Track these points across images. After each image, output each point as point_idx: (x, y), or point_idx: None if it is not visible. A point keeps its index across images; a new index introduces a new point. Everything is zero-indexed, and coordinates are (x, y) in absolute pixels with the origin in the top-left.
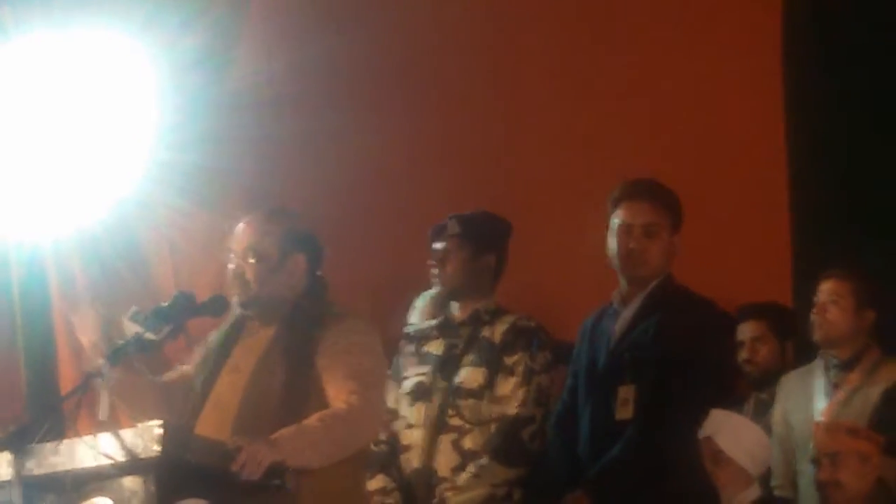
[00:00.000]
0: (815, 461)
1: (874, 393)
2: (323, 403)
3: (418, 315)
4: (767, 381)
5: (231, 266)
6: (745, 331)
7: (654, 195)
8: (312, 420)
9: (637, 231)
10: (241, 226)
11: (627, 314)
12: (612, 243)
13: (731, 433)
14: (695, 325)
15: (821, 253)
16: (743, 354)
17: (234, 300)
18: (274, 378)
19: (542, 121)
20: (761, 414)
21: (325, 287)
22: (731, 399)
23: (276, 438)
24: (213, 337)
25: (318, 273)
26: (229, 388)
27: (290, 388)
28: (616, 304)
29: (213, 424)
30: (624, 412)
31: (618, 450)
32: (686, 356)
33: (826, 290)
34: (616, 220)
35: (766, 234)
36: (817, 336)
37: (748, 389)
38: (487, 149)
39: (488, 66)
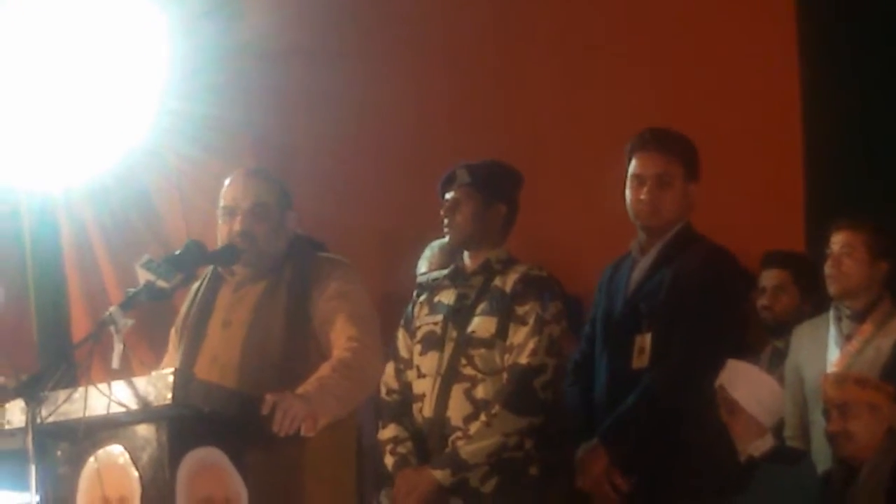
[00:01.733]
0: (825, 412)
1: (886, 344)
2: (320, 352)
3: (428, 265)
4: (784, 329)
5: (235, 223)
6: (768, 278)
7: (665, 145)
8: (327, 371)
9: (649, 182)
10: (237, 183)
11: (644, 263)
12: (627, 193)
13: (744, 383)
14: (710, 274)
15: (834, 202)
16: (763, 301)
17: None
18: (273, 331)
19: (553, 71)
20: (777, 363)
21: (306, 244)
22: (748, 348)
23: (305, 393)
24: (192, 291)
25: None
26: (225, 343)
27: (290, 341)
28: (634, 254)
29: (215, 379)
30: (640, 361)
31: (633, 399)
32: (701, 305)
33: (839, 241)
34: (631, 170)
35: (779, 183)
36: (832, 289)
37: (764, 338)
38: (498, 99)
39: (498, 16)
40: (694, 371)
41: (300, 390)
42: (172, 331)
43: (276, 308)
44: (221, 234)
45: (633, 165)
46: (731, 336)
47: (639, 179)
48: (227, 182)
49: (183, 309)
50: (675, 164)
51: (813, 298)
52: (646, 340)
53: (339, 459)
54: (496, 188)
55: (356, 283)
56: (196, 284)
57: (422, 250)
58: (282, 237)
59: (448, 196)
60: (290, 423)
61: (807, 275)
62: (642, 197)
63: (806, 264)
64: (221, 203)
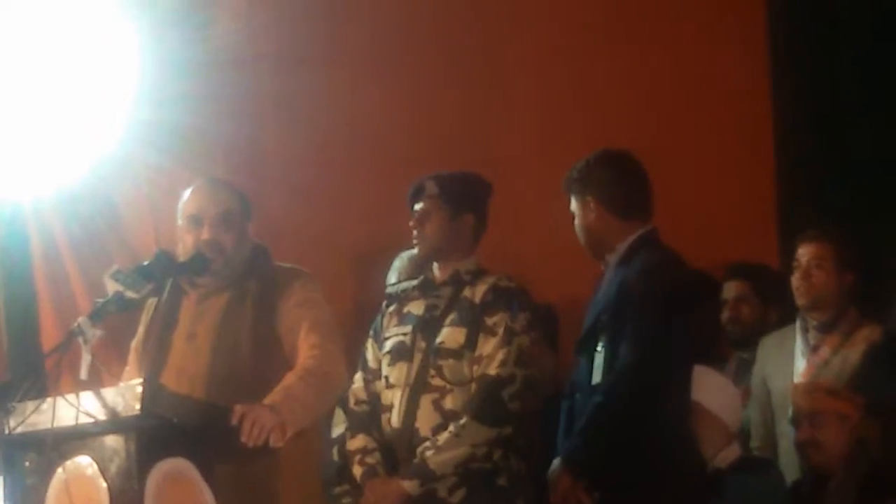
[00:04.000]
0: (794, 422)
1: (853, 354)
2: (286, 361)
3: (397, 275)
4: (748, 341)
5: (203, 232)
6: (730, 290)
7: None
8: (292, 380)
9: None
10: (201, 193)
11: (607, 275)
12: None
13: (705, 385)
14: (648, 280)
15: (806, 213)
16: (725, 313)
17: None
18: (239, 342)
19: (524, 83)
20: (743, 374)
21: (268, 253)
22: (713, 358)
23: (273, 404)
24: (153, 304)
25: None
26: (190, 356)
27: (257, 351)
28: (605, 267)
29: (183, 391)
30: (597, 376)
31: (586, 416)
32: (641, 311)
33: (807, 253)
34: None
35: (751, 195)
36: (801, 301)
37: (730, 349)
38: (469, 109)
39: (471, 25)
40: (640, 377)
41: (267, 400)
42: (132, 347)
43: (241, 319)
44: (186, 243)
45: None
46: (683, 340)
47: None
48: (188, 192)
49: (142, 324)
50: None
51: (776, 309)
52: (601, 356)
53: (307, 467)
54: (464, 199)
55: (317, 292)
56: (154, 299)
57: (392, 260)
58: (245, 246)
59: (417, 207)
60: (258, 434)
61: (768, 285)
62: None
63: (767, 275)
64: (185, 213)
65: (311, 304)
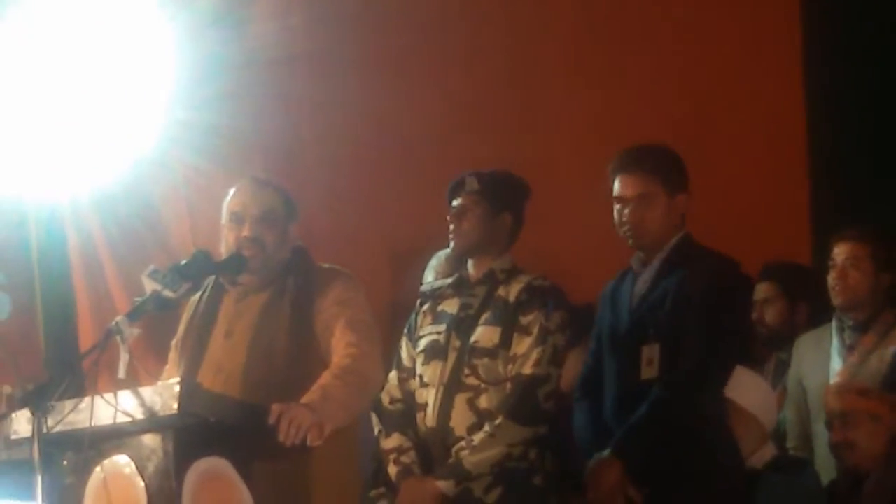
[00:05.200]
0: (828, 424)
1: (888, 354)
2: (321, 359)
3: (433, 274)
4: (777, 342)
5: (244, 229)
6: (758, 291)
7: (643, 163)
8: (328, 379)
9: (630, 203)
10: (245, 191)
11: (647, 276)
12: (614, 215)
13: (742, 386)
14: (717, 282)
15: (840, 212)
16: (754, 314)
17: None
18: (276, 341)
19: (559, 81)
20: (781, 374)
21: (309, 255)
22: (752, 358)
23: (310, 402)
24: (194, 302)
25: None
26: (227, 354)
27: (294, 350)
28: (636, 267)
29: (219, 389)
30: (649, 371)
31: (645, 409)
32: (710, 314)
33: (843, 252)
34: (613, 192)
35: (784, 193)
36: (837, 301)
37: (768, 350)
38: (505, 109)
39: (508, 24)
40: (706, 379)
41: (304, 399)
42: (172, 345)
43: (279, 318)
44: (228, 241)
45: (615, 187)
46: (739, 345)
47: (620, 201)
48: (232, 190)
49: (183, 322)
50: (654, 180)
51: (806, 308)
52: (654, 351)
53: (344, 466)
54: (504, 197)
55: (356, 292)
56: (196, 296)
57: (428, 260)
58: (286, 246)
59: (455, 203)
60: (295, 433)
61: (796, 285)
62: (625, 219)
63: (793, 272)
64: (228, 210)
65: (350, 304)
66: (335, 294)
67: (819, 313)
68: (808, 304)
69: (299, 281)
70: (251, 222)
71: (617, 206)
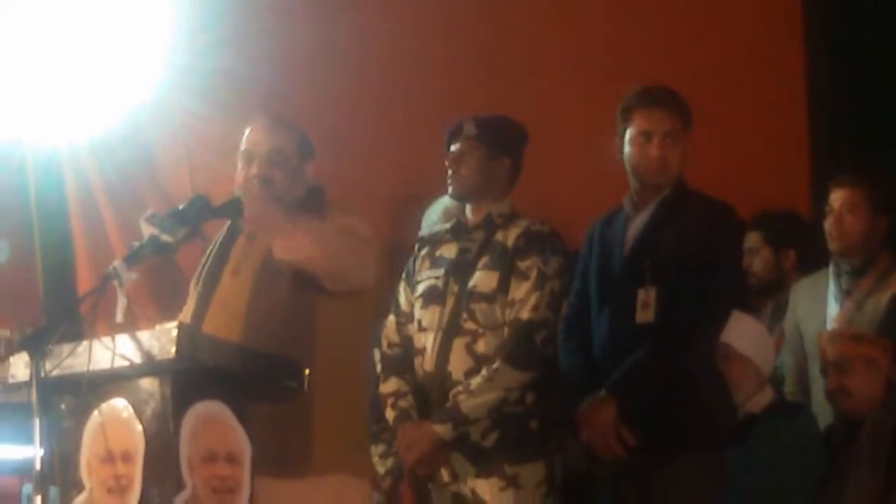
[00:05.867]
0: (823, 371)
1: (885, 299)
2: (326, 299)
3: (431, 220)
4: (767, 289)
5: (253, 167)
6: (746, 241)
7: (671, 102)
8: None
9: (658, 139)
10: (257, 130)
11: (641, 219)
12: (630, 150)
13: (739, 330)
14: (715, 228)
15: (838, 159)
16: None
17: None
18: (280, 278)
19: (556, 29)
20: (778, 319)
21: (324, 193)
22: (747, 304)
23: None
24: (214, 241)
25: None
26: (233, 292)
27: (297, 287)
28: (628, 209)
29: (221, 327)
30: (645, 315)
31: (643, 353)
32: (707, 259)
33: (840, 198)
34: (633, 127)
35: (783, 139)
36: (834, 246)
37: (759, 297)
38: (505, 55)
39: None
40: (705, 325)
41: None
42: (192, 282)
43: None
44: (238, 179)
45: (637, 122)
46: (736, 290)
47: (646, 136)
48: (247, 130)
49: (203, 259)
50: (679, 120)
51: (793, 254)
52: (650, 295)
53: (345, 410)
54: (502, 142)
55: (362, 223)
56: (218, 234)
57: (427, 205)
58: (299, 185)
59: (454, 148)
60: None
61: (780, 232)
62: (655, 154)
63: (779, 222)
64: (240, 150)
65: (352, 231)
66: (339, 224)
67: (809, 258)
68: (796, 249)
69: (306, 216)
70: (259, 161)
71: (640, 141)
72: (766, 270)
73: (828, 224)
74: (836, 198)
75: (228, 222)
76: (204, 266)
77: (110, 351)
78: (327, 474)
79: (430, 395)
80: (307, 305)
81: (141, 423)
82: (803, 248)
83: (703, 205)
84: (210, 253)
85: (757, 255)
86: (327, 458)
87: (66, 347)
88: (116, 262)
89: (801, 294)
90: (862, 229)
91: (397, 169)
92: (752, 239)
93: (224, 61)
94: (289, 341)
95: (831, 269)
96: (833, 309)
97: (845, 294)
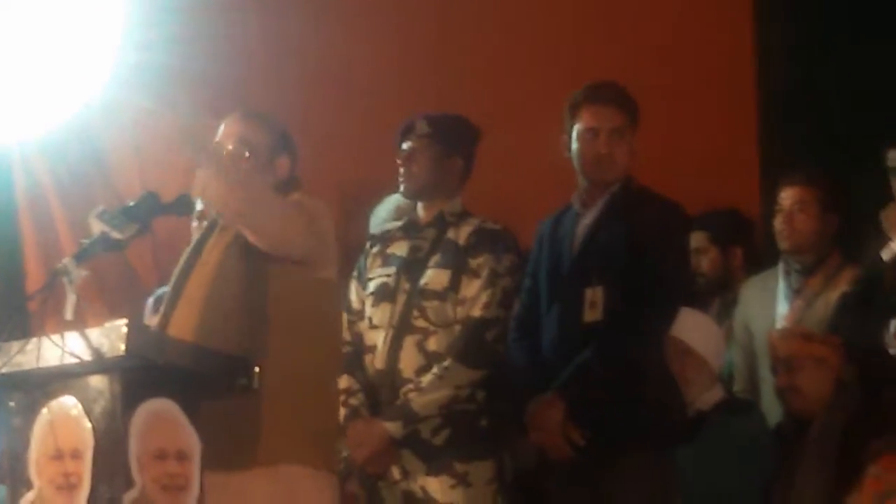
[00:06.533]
0: (773, 369)
1: (834, 297)
2: (283, 293)
3: (380, 218)
4: (716, 288)
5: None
6: (692, 241)
7: (619, 98)
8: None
9: (604, 135)
10: (228, 123)
11: (590, 217)
12: (577, 147)
13: (693, 327)
14: (662, 226)
15: (789, 157)
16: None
17: None
18: (238, 266)
19: (507, 27)
20: (725, 317)
21: (300, 187)
22: (697, 301)
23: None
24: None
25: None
26: (197, 282)
27: (252, 275)
28: (577, 207)
29: (182, 318)
30: (592, 314)
31: (590, 352)
32: (655, 257)
33: (790, 196)
34: (580, 124)
35: (733, 137)
36: (785, 245)
37: (708, 296)
38: (456, 55)
39: None
40: (651, 323)
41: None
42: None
43: (246, 247)
44: None
45: (584, 118)
46: (684, 288)
47: (593, 132)
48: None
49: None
50: (626, 117)
51: (740, 252)
52: (597, 294)
53: (301, 403)
54: (454, 140)
55: (321, 210)
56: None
57: (378, 203)
58: (268, 180)
59: (406, 146)
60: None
61: (726, 231)
62: (602, 151)
63: (724, 221)
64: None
65: (310, 213)
66: (294, 199)
67: (756, 256)
68: (742, 247)
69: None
70: (224, 153)
71: (587, 138)
72: (714, 270)
73: (778, 223)
74: (787, 196)
75: (212, 216)
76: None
77: (60, 348)
78: (279, 465)
79: (380, 393)
80: (263, 298)
81: (90, 420)
82: (750, 245)
83: (651, 202)
84: (188, 249)
85: (704, 255)
86: (277, 450)
87: (16, 345)
88: (66, 260)
89: (750, 292)
90: (812, 228)
91: (348, 167)
92: (699, 239)
93: (175, 57)
94: (242, 334)
95: (781, 267)
96: (783, 307)
97: (795, 293)
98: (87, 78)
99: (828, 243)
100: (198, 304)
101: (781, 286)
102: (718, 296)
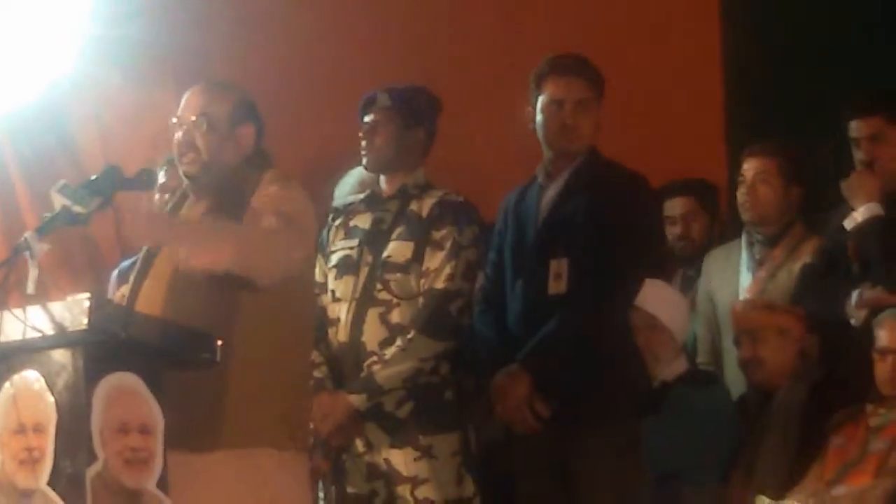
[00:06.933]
0: (736, 341)
1: (797, 268)
2: None
3: (343, 192)
4: (698, 256)
5: (179, 134)
6: (676, 207)
7: (583, 70)
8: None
9: (569, 106)
10: (188, 95)
11: (554, 189)
12: (541, 118)
13: (660, 299)
14: (627, 198)
15: (754, 130)
16: (675, 230)
17: (182, 170)
18: None
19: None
20: (687, 290)
21: (268, 159)
22: (663, 272)
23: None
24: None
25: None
26: (164, 260)
27: None
28: (541, 180)
29: (150, 295)
30: (557, 286)
31: (554, 324)
32: (619, 229)
33: (753, 167)
34: (545, 95)
35: (698, 108)
36: (747, 216)
37: (674, 265)
38: (416, 25)
39: None
40: (616, 295)
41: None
42: None
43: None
44: (172, 147)
45: (549, 89)
46: (649, 260)
47: (558, 103)
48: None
49: None
50: (591, 88)
51: (719, 225)
52: (562, 266)
53: (267, 384)
54: (416, 113)
55: (298, 190)
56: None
57: (341, 176)
58: (229, 152)
59: (367, 119)
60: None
61: (711, 198)
62: (567, 122)
63: (708, 188)
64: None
65: (285, 198)
66: (270, 191)
67: (727, 230)
68: (719, 220)
69: (238, 184)
70: (186, 127)
71: (552, 109)
72: (705, 237)
73: (741, 194)
74: (749, 167)
75: (180, 191)
76: None
77: (22, 322)
78: (244, 447)
79: (344, 366)
80: (231, 275)
81: (53, 394)
82: (721, 218)
83: (615, 174)
84: None
85: (696, 221)
86: (241, 432)
87: None
88: (28, 234)
89: (713, 264)
90: (775, 199)
91: (310, 141)
92: (688, 204)
93: (140, 31)
94: (208, 311)
95: (744, 238)
96: (746, 279)
97: (758, 264)
98: (51, 51)
99: (790, 215)
100: (165, 280)
101: (744, 257)
102: (682, 267)
